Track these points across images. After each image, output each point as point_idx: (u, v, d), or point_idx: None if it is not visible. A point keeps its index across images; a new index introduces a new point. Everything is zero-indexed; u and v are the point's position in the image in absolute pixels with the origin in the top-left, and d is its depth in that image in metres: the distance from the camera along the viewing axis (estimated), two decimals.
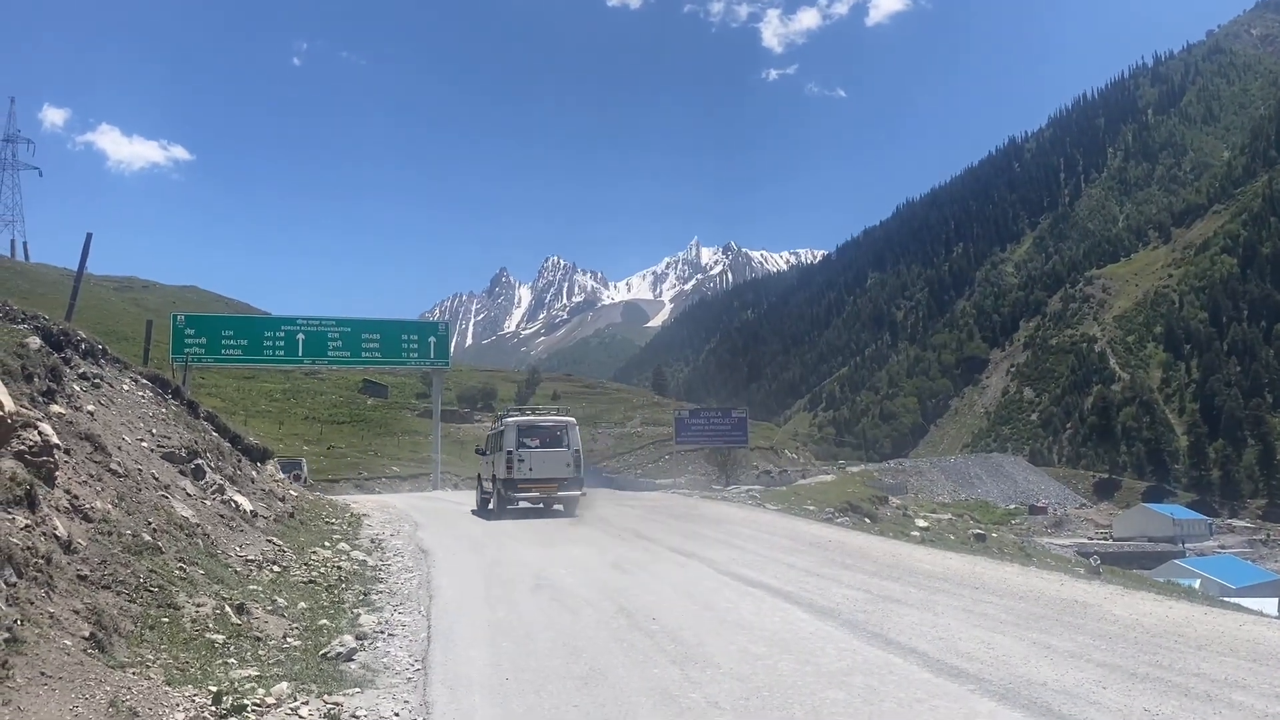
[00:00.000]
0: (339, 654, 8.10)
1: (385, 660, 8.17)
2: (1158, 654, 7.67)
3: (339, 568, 13.61)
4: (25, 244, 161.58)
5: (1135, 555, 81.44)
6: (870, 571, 12.29)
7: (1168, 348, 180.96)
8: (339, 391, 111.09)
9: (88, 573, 8.14)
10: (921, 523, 28.96)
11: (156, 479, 13.17)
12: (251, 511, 15.94)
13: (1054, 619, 9.12)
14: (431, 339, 47.76)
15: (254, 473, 20.33)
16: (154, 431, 15.19)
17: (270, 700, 6.50)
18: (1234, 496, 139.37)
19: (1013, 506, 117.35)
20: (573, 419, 23.81)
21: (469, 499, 29.26)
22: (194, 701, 6.27)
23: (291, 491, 23.32)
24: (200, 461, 15.52)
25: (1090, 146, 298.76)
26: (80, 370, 14.71)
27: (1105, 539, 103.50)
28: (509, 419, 23.90)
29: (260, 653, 8.11)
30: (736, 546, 15.07)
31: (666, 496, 28.26)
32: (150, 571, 9.10)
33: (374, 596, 11.57)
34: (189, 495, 13.84)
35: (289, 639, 8.76)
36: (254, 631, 8.73)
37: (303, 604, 10.34)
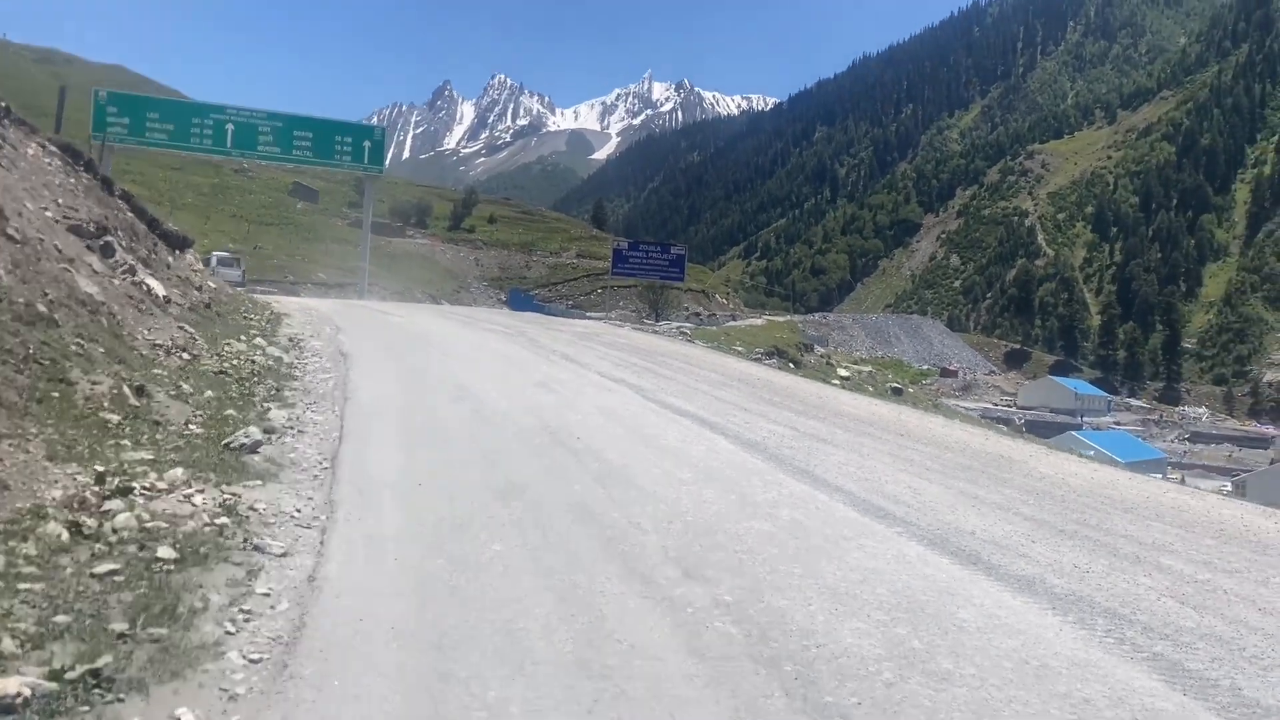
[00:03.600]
0: (243, 445, 7.64)
1: (292, 456, 7.74)
2: (1085, 513, 7.61)
3: (253, 361, 13.04)
4: None
5: (1036, 424, 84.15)
6: (797, 410, 12.15)
7: (1095, 228, 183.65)
8: (268, 193, 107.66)
9: None
10: (843, 372, 29.23)
11: (60, 251, 12.29)
12: (164, 297, 15.16)
13: (980, 470, 9.05)
14: (366, 143, 45.85)
15: (170, 259, 19.36)
16: (60, 202, 14.15)
17: (161, 485, 6.04)
18: (1136, 377, 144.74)
19: (926, 367, 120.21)
20: (242, 254, 50.18)
21: (398, 309, 28.84)
22: (75, 480, 5.79)
23: (210, 283, 22.42)
24: (110, 239, 14.58)
25: (1052, 17, 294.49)
26: None
27: (1009, 406, 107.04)
28: (214, 253, 44.95)
29: (158, 437, 7.60)
30: (665, 377, 14.83)
31: (597, 325, 27.94)
32: (42, 343, 8.43)
33: (287, 393, 11.08)
34: (95, 272, 12.99)
35: (191, 426, 8.26)
36: (153, 415, 8.20)
37: (210, 393, 9.80)
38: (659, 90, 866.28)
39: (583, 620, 4.48)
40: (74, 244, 13.22)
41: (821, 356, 30.18)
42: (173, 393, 9.19)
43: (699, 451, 8.80)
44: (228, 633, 4.11)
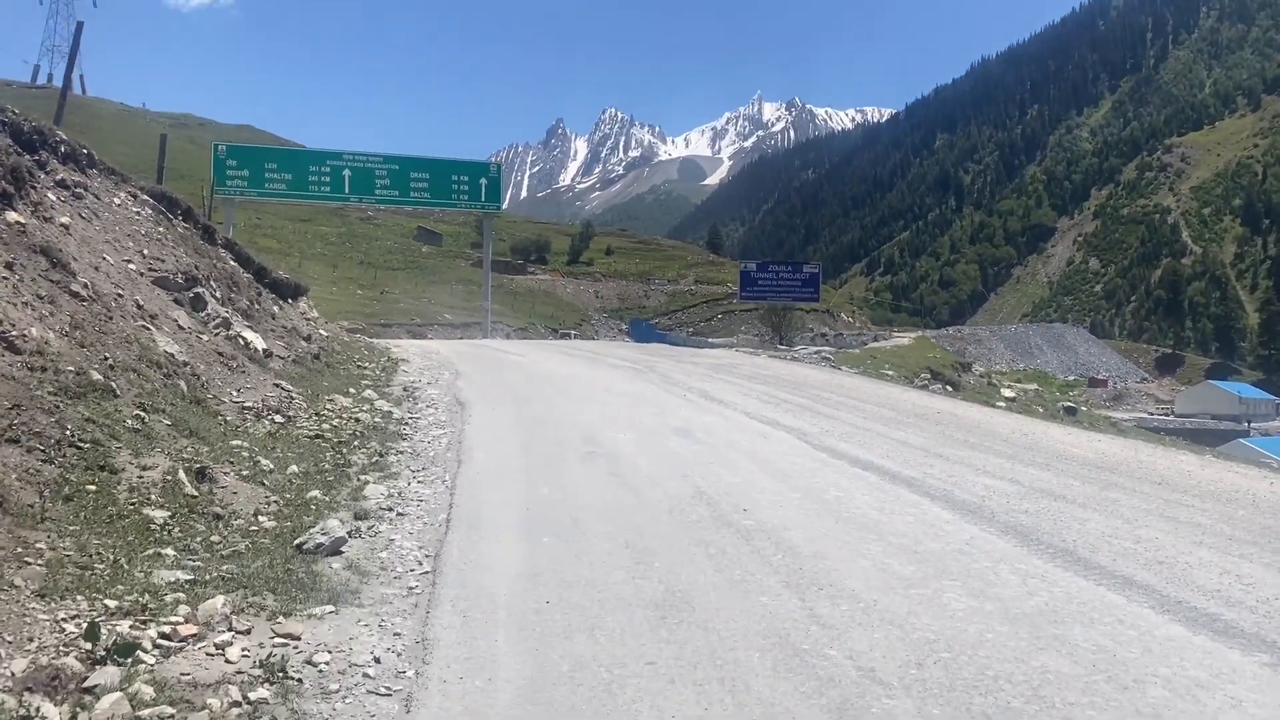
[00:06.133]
0: (319, 545, 5.88)
1: (383, 556, 5.96)
2: None
3: (356, 420, 11.48)
4: (82, 77, 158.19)
5: (1198, 432, 78.09)
6: (1005, 454, 9.85)
7: (1245, 221, 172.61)
8: (393, 238, 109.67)
9: None
10: (1007, 392, 26.52)
11: (140, 307, 11.03)
12: (264, 350, 13.88)
13: None
14: (483, 181, 45.17)
15: (276, 309, 18.25)
16: (146, 253, 12.98)
17: (188, 629, 4.28)
18: None
19: (1072, 378, 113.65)
20: None
21: (520, 348, 27.45)
22: (62, 630, 4.08)
23: (322, 331, 21.34)
24: (201, 290, 13.36)
25: (1183, 4, 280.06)
26: (58, 177, 12.44)
27: (1166, 415, 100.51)
28: None
29: (212, 539, 5.92)
30: (825, 415, 12.68)
31: (730, 354, 25.84)
32: (87, 420, 6.91)
33: (391, 458, 9.42)
34: (180, 328, 11.69)
35: (260, 518, 6.57)
36: (214, 506, 6.55)
37: (295, 467, 8.16)
38: (769, 110, 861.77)
39: None
40: (158, 298, 11.97)
41: (981, 376, 27.49)
42: (246, 471, 7.54)
43: (907, 525, 6.67)
44: None
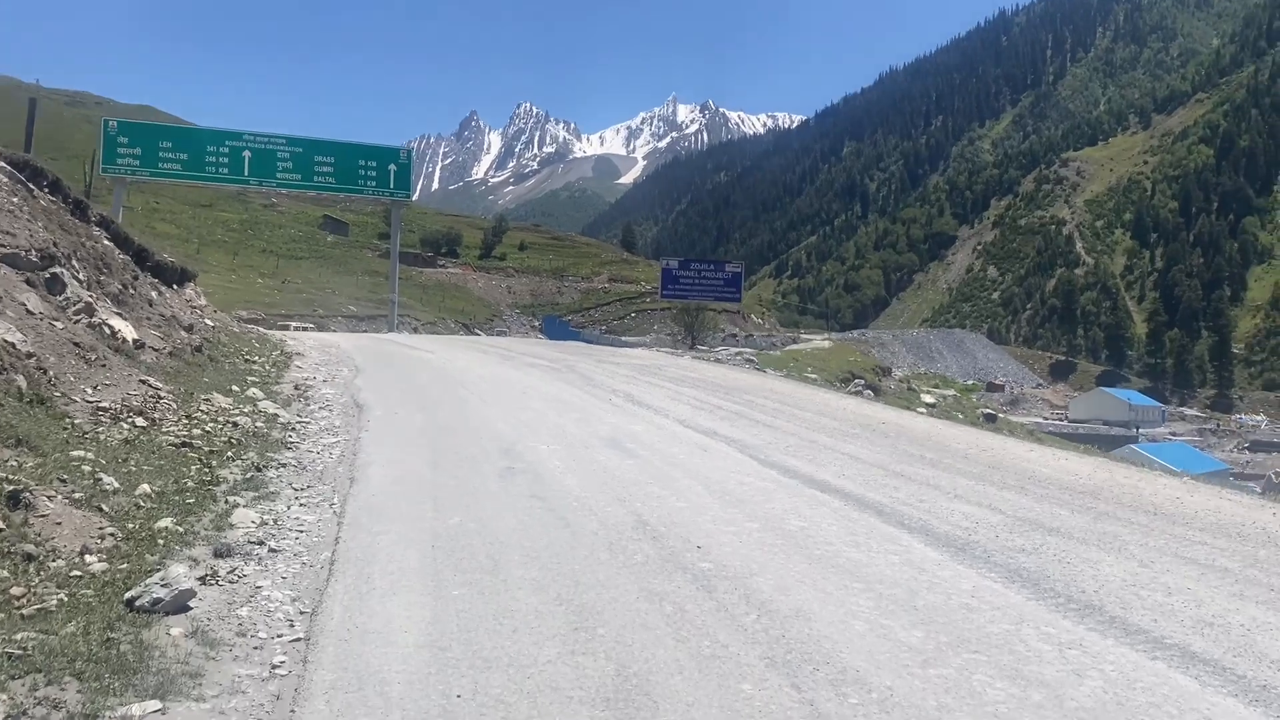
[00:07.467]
0: (157, 600, 4.49)
1: (243, 614, 4.58)
2: None
3: (234, 424, 9.95)
4: None
5: (1090, 438, 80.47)
6: (971, 474, 8.86)
7: (1135, 235, 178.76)
8: (298, 226, 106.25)
9: None
10: (927, 399, 26.06)
11: None
12: (135, 341, 12.24)
13: None
14: (392, 167, 43.11)
15: (155, 294, 16.48)
16: None
17: None
18: (1185, 386, 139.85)
19: (970, 382, 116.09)
20: None
21: (429, 344, 25.85)
22: None
23: (208, 321, 19.53)
24: (59, 270, 11.65)
25: (1081, 24, 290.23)
26: None
27: (1061, 420, 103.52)
28: None
29: (13, 592, 4.48)
30: (764, 424, 11.59)
31: (652, 355, 24.65)
32: None
33: (270, 473, 7.99)
34: (29, 313, 10.04)
35: (89, 558, 5.13)
36: (27, 543, 5.08)
37: (147, 485, 6.68)
38: (684, 112, 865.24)
39: None
40: (4, 278, 10.29)
41: (901, 381, 26.94)
42: (80, 494, 6.05)
43: (894, 570, 5.57)
44: None
